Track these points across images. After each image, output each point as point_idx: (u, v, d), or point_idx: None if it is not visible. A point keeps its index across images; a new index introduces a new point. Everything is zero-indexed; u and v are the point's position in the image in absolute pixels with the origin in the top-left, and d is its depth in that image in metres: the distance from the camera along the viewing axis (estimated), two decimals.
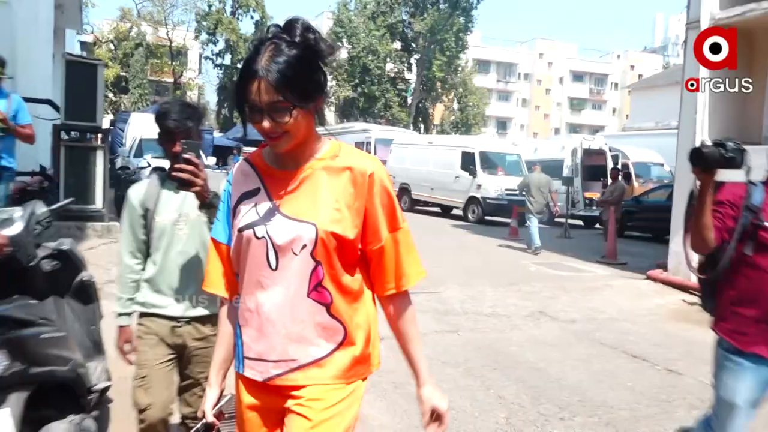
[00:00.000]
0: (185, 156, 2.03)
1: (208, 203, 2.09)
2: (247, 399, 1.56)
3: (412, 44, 40.13)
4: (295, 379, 1.47)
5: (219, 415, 1.60)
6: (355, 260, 1.53)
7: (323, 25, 44.15)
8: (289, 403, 1.48)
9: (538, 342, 5.62)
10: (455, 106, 46.42)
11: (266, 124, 1.39)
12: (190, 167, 2.03)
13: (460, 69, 42.95)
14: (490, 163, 17.29)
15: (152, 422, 2.28)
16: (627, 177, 16.57)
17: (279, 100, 1.35)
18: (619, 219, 12.08)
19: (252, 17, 43.16)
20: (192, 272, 2.27)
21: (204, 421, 1.59)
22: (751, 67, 7.94)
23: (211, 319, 2.26)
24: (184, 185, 2.06)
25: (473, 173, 16.89)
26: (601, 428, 3.73)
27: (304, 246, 1.44)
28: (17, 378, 2.06)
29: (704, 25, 7.89)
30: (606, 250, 10.97)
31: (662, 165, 18.85)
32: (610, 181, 13.46)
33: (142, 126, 14.81)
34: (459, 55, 40.78)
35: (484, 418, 3.77)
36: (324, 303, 1.48)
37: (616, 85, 63.35)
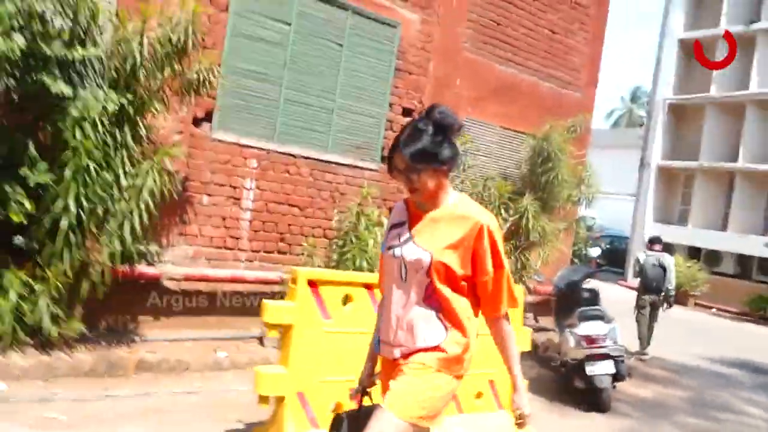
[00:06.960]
0: None
1: None
2: (381, 369, 2.25)
3: None
4: (407, 359, 2.06)
5: (371, 383, 2.32)
6: (460, 284, 2.09)
7: None
8: (396, 371, 2.09)
9: None
10: None
11: (404, 181, 2.06)
12: None
13: None
14: None
15: None
16: None
17: (408, 166, 2.02)
18: None
19: None
20: None
21: (361, 386, 2.32)
22: None
23: None
24: None
25: None
26: None
27: (422, 267, 2.05)
28: None
29: None
30: None
31: None
32: None
33: None
34: None
35: None
36: (433, 308, 2.07)
37: None
